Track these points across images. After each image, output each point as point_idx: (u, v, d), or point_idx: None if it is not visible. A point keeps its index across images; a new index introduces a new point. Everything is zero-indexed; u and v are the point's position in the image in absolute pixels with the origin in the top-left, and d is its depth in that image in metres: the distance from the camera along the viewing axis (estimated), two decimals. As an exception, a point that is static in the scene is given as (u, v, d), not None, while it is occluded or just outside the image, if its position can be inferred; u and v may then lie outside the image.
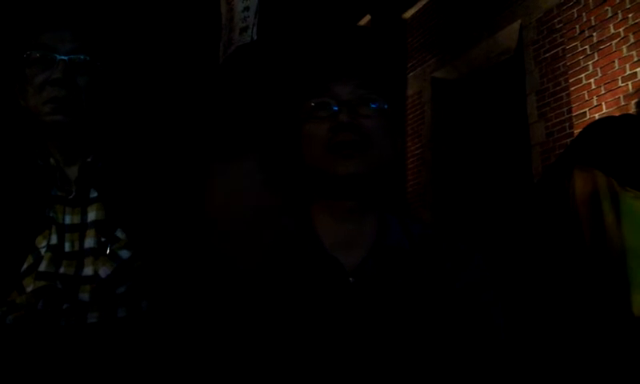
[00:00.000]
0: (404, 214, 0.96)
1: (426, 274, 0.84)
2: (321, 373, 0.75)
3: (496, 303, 0.85)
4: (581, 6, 4.21)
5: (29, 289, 1.04)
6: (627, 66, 3.77)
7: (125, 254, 1.08)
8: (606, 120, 1.53)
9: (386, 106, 0.86)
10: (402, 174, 6.19)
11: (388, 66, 0.89)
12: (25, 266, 1.06)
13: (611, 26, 3.93)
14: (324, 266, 0.83)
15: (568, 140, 4.20)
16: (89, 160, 1.10)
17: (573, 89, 4.21)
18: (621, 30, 3.85)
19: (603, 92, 3.94)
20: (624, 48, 3.79)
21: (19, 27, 1.11)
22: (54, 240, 1.08)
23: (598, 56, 4.02)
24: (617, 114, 3.74)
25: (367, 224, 0.88)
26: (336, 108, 0.83)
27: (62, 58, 1.05)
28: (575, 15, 4.28)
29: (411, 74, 6.38)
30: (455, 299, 0.83)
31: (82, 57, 1.07)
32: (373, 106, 0.85)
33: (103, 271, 1.06)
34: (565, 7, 4.39)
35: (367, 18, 6.82)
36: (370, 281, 0.82)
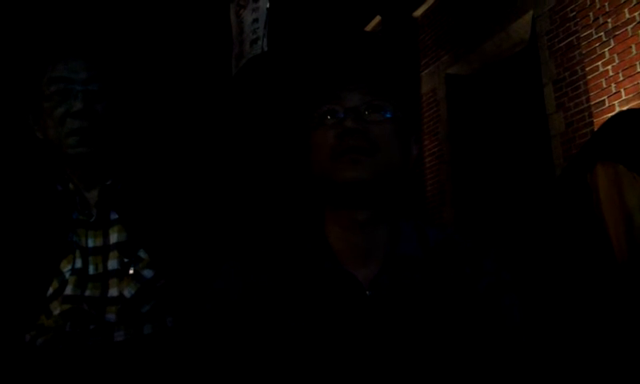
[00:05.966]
0: (420, 218, 0.93)
1: (443, 282, 0.83)
2: None
3: (516, 306, 0.84)
4: (594, -8, 4.15)
5: (56, 312, 1.06)
6: (645, 50, 3.70)
7: (148, 273, 1.09)
8: (629, 112, 1.50)
9: (395, 113, 0.84)
10: (420, 173, 6.15)
11: (397, 71, 0.87)
12: (51, 290, 1.08)
13: (626, 10, 3.86)
14: (340, 282, 0.82)
15: (588, 129, 4.13)
16: (108, 183, 1.11)
17: (590, 77, 4.14)
18: (636, 14, 3.78)
19: (621, 78, 3.87)
20: (640, 32, 3.73)
21: (32, 60, 1.12)
22: (78, 263, 1.09)
23: (614, 42, 3.95)
24: (637, 101, 3.67)
25: (380, 235, 0.85)
26: (342, 115, 0.82)
27: (80, 88, 1.06)
28: (588, 2, 4.21)
29: (425, 71, 6.34)
30: (474, 305, 0.82)
31: (97, 85, 1.08)
32: (381, 112, 0.83)
33: (128, 291, 1.07)
34: (577, -5, 4.33)
35: (377, 19, 6.80)
36: (386, 293, 0.81)
